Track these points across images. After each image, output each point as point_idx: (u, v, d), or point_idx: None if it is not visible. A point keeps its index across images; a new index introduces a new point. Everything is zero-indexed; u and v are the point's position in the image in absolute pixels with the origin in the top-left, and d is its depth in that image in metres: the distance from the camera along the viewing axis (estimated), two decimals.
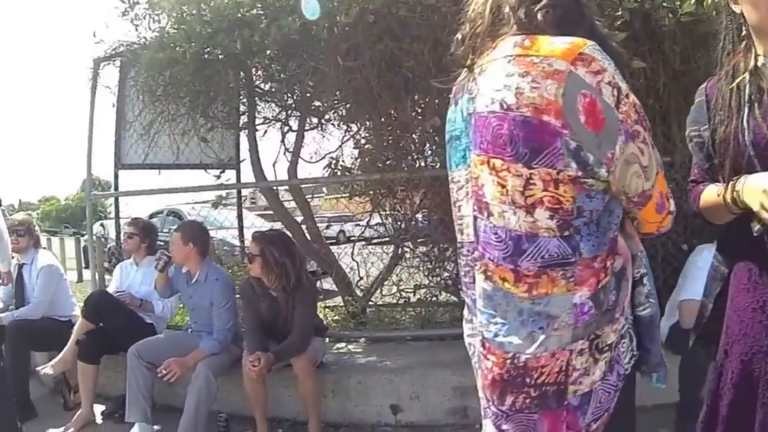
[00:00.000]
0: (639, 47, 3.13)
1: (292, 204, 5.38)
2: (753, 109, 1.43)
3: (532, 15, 1.26)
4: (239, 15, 3.60)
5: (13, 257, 3.93)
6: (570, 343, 1.24)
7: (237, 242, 6.48)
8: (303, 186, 5.12)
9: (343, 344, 4.23)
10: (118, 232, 5.41)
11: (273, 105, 4.90)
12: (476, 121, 1.28)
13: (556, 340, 1.24)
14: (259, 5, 3.61)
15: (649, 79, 3.37)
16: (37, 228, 4.44)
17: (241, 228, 6.23)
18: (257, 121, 4.84)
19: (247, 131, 4.78)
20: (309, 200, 5.26)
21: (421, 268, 4.83)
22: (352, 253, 5.07)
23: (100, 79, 4.81)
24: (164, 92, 4.26)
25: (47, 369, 3.76)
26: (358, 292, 4.98)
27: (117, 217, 5.42)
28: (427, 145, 4.53)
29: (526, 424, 1.29)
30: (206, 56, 3.75)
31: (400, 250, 4.92)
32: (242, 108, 4.81)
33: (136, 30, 4.31)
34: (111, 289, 4.20)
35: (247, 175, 5.35)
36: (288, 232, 4.40)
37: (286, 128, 4.83)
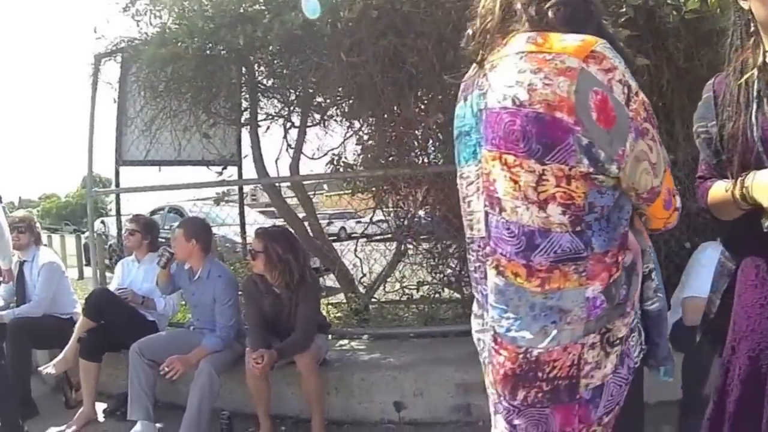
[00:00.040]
0: (643, 44, 3.11)
1: (294, 201, 5.36)
2: (761, 105, 1.43)
3: (543, 12, 1.27)
4: (241, 10, 3.58)
5: (14, 254, 3.91)
6: (582, 337, 1.25)
7: (238, 239, 6.47)
8: (305, 183, 5.11)
9: (345, 341, 4.23)
10: (119, 229, 5.39)
11: (275, 101, 4.89)
12: (488, 117, 1.28)
13: (568, 334, 1.25)
14: (262, 0, 3.60)
15: (652, 77, 3.35)
16: (38, 225, 4.42)
17: (242, 225, 6.21)
18: (259, 118, 4.83)
19: (249, 127, 4.77)
20: (311, 197, 5.25)
21: (424, 265, 4.83)
22: (355, 250, 5.06)
23: (101, 75, 4.80)
24: (166, 88, 4.25)
25: (49, 369, 3.75)
26: (360, 288, 4.98)
27: (118, 213, 5.40)
28: (430, 141, 4.52)
29: (538, 418, 1.30)
30: (208, 52, 3.73)
31: (403, 246, 4.90)
32: (244, 104, 4.80)
33: (138, 26, 4.31)
34: (113, 287, 4.19)
35: (249, 171, 5.35)
36: (291, 229, 4.39)
37: (288, 124, 4.81)
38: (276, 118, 4.93)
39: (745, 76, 1.46)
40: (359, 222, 6.28)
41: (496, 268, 1.31)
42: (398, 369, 3.55)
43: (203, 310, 3.63)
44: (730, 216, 1.55)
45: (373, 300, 4.90)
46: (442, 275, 4.79)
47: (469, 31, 1.39)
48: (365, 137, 4.74)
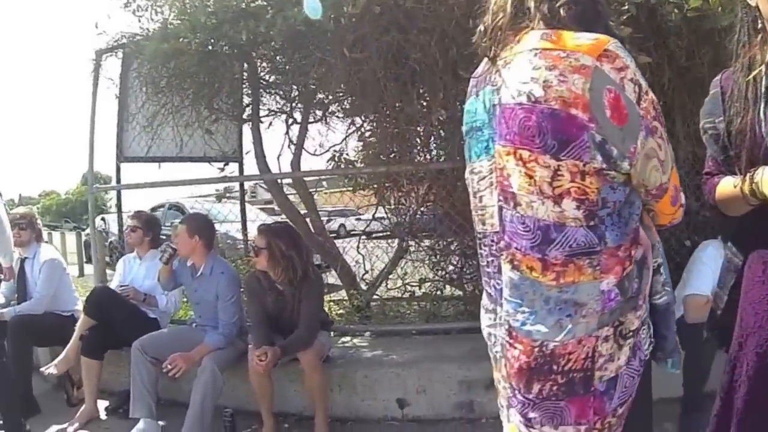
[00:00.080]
0: (644, 42, 3.12)
1: (294, 198, 5.35)
2: None
3: (555, 10, 1.30)
4: (243, 5, 3.57)
5: (15, 251, 3.89)
6: (596, 330, 1.28)
7: (239, 236, 6.46)
8: (306, 179, 5.10)
9: (348, 338, 4.22)
10: (120, 226, 5.38)
11: (277, 97, 4.88)
12: (502, 113, 1.30)
13: (583, 327, 1.27)
14: None
15: (653, 75, 3.35)
16: (39, 221, 4.38)
17: (244, 221, 6.20)
18: (261, 114, 4.82)
19: (251, 123, 4.75)
20: (312, 194, 5.24)
21: (426, 262, 4.82)
22: (358, 247, 5.05)
23: (102, 71, 4.79)
24: (168, 84, 4.23)
25: (51, 369, 3.73)
26: (362, 285, 4.97)
27: (119, 210, 5.39)
28: (432, 138, 4.51)
29: (553, 411, 1.32)
30: (211, 47, 3.72)
31: (404, 243, 4.90)
32: (246, 100, 4.78)
33: (139, 21, 4.29)
34: (114, 284, 4.17)
35: (250, 168, 5.34)
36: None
37: (290, 120, 4.80)
38: (278, 114, 4.92)
39: (753, 73, 1.47)
40: (359, 219, 6.27)
41: (510, 263, 1.33)
42: (401, 366, 3.54)
43: (206, 307, 3.62)
44: (738, 212, 1.56)
45: (375, 297, 4.89)
46: (443, 272, 4.79)
47: (481, 27, 1.41)
48: (367, 134, 4.73)
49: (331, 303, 5.03)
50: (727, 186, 1.54)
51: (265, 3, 3.54)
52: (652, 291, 1.39)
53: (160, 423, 3.40)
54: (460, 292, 4.65)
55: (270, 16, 3.40)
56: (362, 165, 4.84)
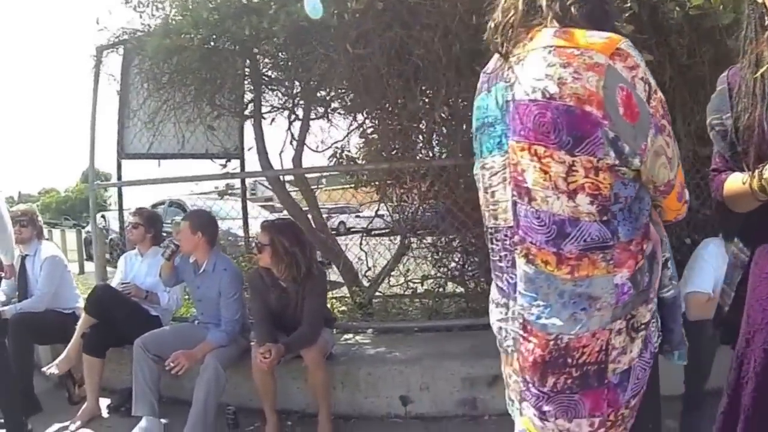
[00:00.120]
0: (646, 40, 3.12)
1: (296, 195, 5.34)
2: None
3: (566, 8, 1.33)
4: (246, 1, 3.56)
5: (15, 249, 3.87)
6: (609, 323, 1.30)
7: (241, 232, 6.44)
8: (308, 176, 5.09)
9: (350, 335, 4.21)
10: (121, 223, 5.37)
11: (279, 93, 4.86)
12: (515, 109, 1.32)
13: (597, 321, 1.30)
14: None
15: (655, 73, 3.34)
16: (40, 218, 4.36)
17: (245, 218, 6.19)
18: (263, 110, 4.80)
19: (253, 120, 4.74)
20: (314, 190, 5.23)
21: (428, 259, 4.81)
22: (360, 244, 5.04)
23: (103, 68, 4.78)
24: (169, 80, 4.22)
25: (52, 369, 3.71)
26: (364, 282, 4.96)
27: (120, 207, 5.38)
28: (435, 134, 4.50)
29: (567, 404, 1.34)
30: (213, 43, 3.70)
31: (407, 240, 4.89)
32: (248, 96, 4.77)
33: (140, 17, 4.29)
34: (116, 281, 4.15)
35: (252, 164, 5.32)
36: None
37: (292, 117, 4.79)
38: (280, 110, 4.91)
39: (761, 70, 1.48)
40: (359, 216, 6.26)
41: (525, 257, 1.35)
42: (404, 363, 3.53)
43: (208, 304, 3.60)
44: (746, 208, 1.56)
45: (377, 294, 4.89)
46: (446, 269, 4.78)
47: (491, 24, 1.43)
48: (369, 130, 4.72)
49: (333, 300, 5.02)
50: (735, 182, 1.55)
51: None
52: (660, 285, 1.41)
53: (163, 421, 3.39)
54: (462, 289, 4.65)
55: (273, 12, 3.40)
56: (364, 162, 4.83)
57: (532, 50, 1.31)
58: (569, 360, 1.31)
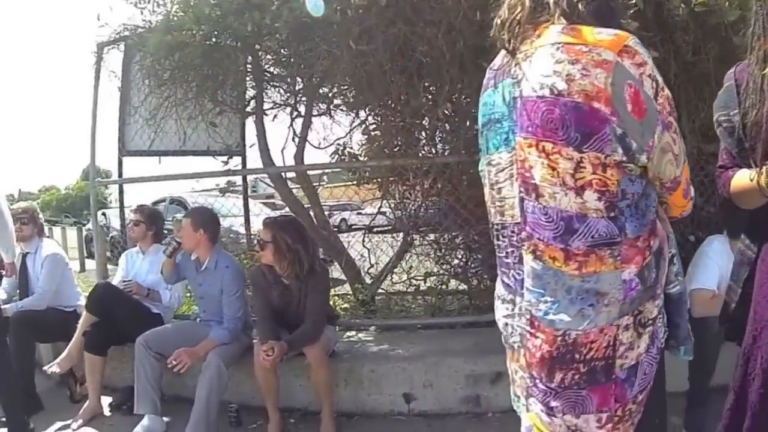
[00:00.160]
0: (651, 37, 3.11)
1: (298, 191, 5.33)
2: None
3: (574, 5, 1.34)
4: None
5: (16, 246, 3.85)
6: (617, 319, 1.31)
7: (242, 230, 6.43)
8: (310, 173, 5.08)
9: (353, 332, 4.21)
10: (122, 220, 5.36)
11: (282, 90, 4.85)
12: (523, 105, 1.32)
13: (605, 316, 1.30)
14: None
15: (660, 70, 3.33)
16: (41, 216, 4.34)
17: (247, 216, 6.17)
18: (265, 106, 4.78)
19: (255, 116, 4.72)
20: (315, 187, 5.22)
21: (431, 256, 4.81)
22: (363, 241, 5.04)
23: (104, 64, 4.77)
24: (171, 77, 4.19)
25: (54, 367, 3.70)
26: (367, 279, 4.95)
27: (121, 205, 5.37)
28: (438, 131, 4.48)
29: (575, 400, 1.35)
30: (215, 39, 3.68)
31: (409, 237, 4.88)
32: (250, 93, 4.76)
33: (141, 13, 4.27)
34: (117, 278, 4.15)
35: (253, 161, 5.31)
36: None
37: (295, 113, 4.77)
38: (282, 107, 4.89)
39: None
40: (360, 213, 6.24)
41: (533, 253, 1.36)
42: (407, 360, 3.52)
43: (210, 302, 3.59)
44: (753, 204, 1.57)
45: (379, 291, 4.88)
46: (448, 266, 4.77)
47: (498, 21, 1.43)
48: (372, 127, 4.70)
49: (336, 297, 5.01)
50: (742, 179, 1.56)
51: None
52: (666, 280, 1.42)
53: (165, 419, 3.39)
54: (465, 286, 4.64)
55: (275, 8, 3.39)
56: (366, 158, 4.81)
57: (540, 47, 1.31)
58: (577, 356, 1.32)
